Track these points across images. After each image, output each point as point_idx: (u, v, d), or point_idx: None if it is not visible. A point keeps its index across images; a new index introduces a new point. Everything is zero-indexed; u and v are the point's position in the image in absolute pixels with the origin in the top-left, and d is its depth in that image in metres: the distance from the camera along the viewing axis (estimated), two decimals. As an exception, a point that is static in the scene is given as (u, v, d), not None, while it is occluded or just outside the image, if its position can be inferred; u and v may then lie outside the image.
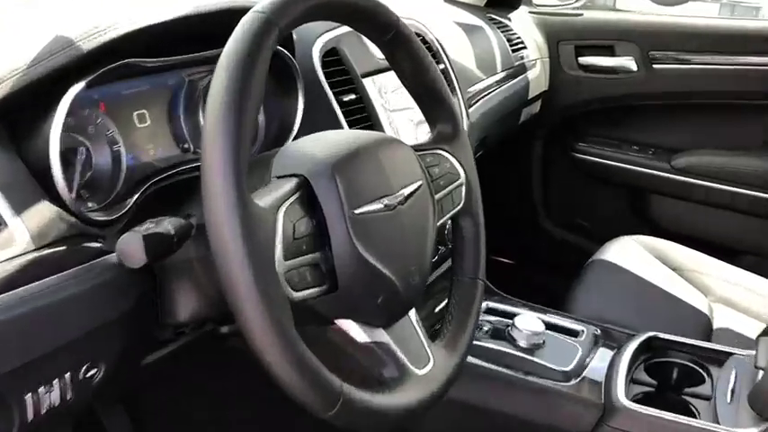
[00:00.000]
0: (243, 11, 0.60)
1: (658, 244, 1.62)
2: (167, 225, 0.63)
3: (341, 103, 1.02)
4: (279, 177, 0.64)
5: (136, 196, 0.75)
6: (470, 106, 1.45)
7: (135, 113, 0.80)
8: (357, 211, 0.63)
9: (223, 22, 0.68)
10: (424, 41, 1.32)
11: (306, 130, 0.90)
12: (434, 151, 0.81)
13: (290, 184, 0.62)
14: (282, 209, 0.59)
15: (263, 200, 0.58)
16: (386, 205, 0.67)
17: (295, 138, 0.92)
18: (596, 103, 2.07)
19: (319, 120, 0.97)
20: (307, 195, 0.62)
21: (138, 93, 0.80)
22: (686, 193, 1.97)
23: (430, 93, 0.81)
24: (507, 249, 2.17)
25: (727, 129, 1.97)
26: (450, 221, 0.84)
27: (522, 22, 2.02)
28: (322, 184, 0.62)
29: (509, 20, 1.96)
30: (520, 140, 2.15)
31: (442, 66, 1.35)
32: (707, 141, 1.98)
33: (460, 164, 0.83)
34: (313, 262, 0.61)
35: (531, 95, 1.91)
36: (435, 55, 1.34)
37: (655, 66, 1.95)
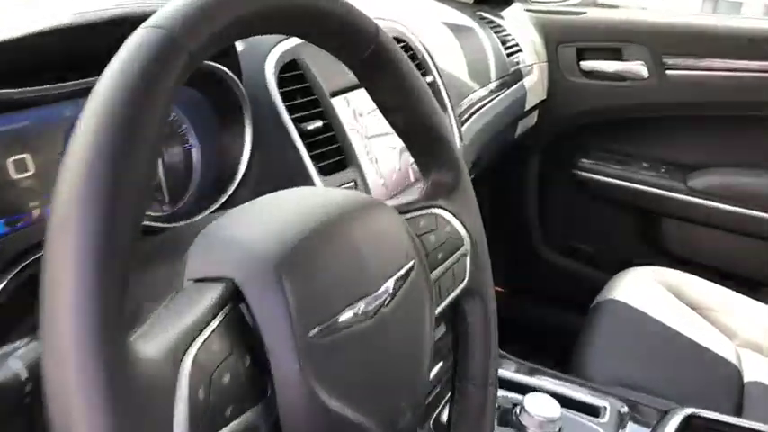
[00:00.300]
0: (142, 20, 0.37)
1: (674, 277, 1.48)
2: (14, 364, 0.39)
3: (303, 134, 0.79)
4: (195, 281, 0.41)
5: (2, 285, 0.53)
6: (463, 124, 1.23)
7: (10, 161, 0.58)
8: (315, 333, 0.41)
9: (117, 36, 0.45)
10: (408, 49, 1.10)
11: (255, 175, 0.69)
12: (430, 210, 0.59)
13: (211, 295, 0.39)
14: (191, 352, 0.35)
15: (157, 340, 0.35)
16: (362, 313, 0.44)
17: (241, 184, 0.69)
18: (601, 114, 1.88)
19: (274, 159, 0.74)
20: (236, 314, 0.39)
21: (14, 132, 0.58)
22: (703, 218, 1.80)
23: (422, 130, 0.59)
24: (499, 276, 1.98)
25: (751, 144, 1.79)
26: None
27: (516, 21, 1.81)
28: (261, 294, 0.40)
29: (502, 18, 1.74)
30: (514, 155, 1.98)
31: (429, 78, 1.12)
32: (727, 158, 1.80)
33: (463, 225, 0.61)
34: (245, 428, 0.38)
35: (528, 106, 1.70)
36: (421, 64, 1.12)
37: (668, 72, 1.76)
